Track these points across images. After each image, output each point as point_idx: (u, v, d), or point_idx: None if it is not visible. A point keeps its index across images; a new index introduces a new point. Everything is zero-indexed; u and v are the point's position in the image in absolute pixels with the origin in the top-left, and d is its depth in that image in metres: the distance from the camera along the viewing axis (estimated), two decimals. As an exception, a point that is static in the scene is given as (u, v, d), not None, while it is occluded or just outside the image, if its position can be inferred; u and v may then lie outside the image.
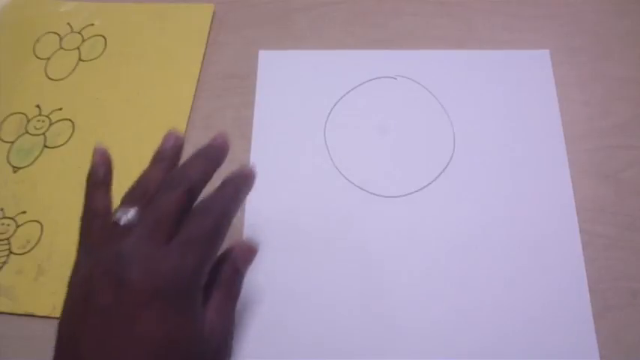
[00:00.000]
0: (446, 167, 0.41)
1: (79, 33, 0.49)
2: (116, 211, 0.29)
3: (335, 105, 0.44)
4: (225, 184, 0.30)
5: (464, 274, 0.37)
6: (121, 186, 0.41)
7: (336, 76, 0.45)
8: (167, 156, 0.31)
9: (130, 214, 0.28)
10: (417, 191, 0.40)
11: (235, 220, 0.39)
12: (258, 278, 0.38)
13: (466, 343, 0.36)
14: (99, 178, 0.32)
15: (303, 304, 0.37)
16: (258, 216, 0.40)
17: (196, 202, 0.29)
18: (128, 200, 0.29)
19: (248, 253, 0.31)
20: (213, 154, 0.31)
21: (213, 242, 0.28)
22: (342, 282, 0.38)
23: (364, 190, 0.41)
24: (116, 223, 0.28)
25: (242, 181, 0.31)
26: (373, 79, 0.45)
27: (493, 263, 0.38)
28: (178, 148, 0.32)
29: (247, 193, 0.31)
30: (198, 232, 0.27)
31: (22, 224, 0.40)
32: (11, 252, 0.39)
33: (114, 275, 0.27)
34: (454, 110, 0.43)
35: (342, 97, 0.44)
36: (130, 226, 0.28)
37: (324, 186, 0.41)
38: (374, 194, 0.41)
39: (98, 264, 0.28)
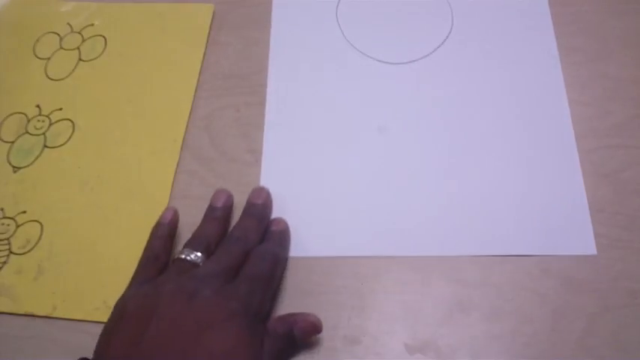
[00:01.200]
0: (447, 38, 0.46)
1: (79, 33, 0.49)
2: (181, 251, 0.34)
3: None
4: (271, 236, 0.37)
5: (469, 138, 0.42)
6: (120, 185, 0.41)
7: None
8: (219, 215, 0.37)
9: (196, 254, 0.34)
10: (422, 58, 0.45)
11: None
12: (279, 159, 0.41)
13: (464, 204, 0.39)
14: (164, 232, 0.37)
15: (317, 177, 0.41)
16: (277, 92, 0.44)
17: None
18: (190, 246, 0.35)
19: (310, 327, 0.33)
20: (262, 213, 0.38)
21: (270, 281, 0.34)
22: (356, 148, 0.42)
23: (372, 57, 0.45)
24: (182, 260, 0.34)
25: (283, 236, 0.37)
26: None
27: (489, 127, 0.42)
28: (229, 207, 0.38)
29: (289, 242, 0.38)
30: (258, 273, 0.33)
31: (22, 224, 0.40)
32: (11, 252, 0.39)
33: (186, 290, 0.31)
34: None
35: None
36: (196, 264, 0.33)
37: (337, 58, 0.45)
38: (381, 61, 0.45)
39: (163, 284, 0.32)
